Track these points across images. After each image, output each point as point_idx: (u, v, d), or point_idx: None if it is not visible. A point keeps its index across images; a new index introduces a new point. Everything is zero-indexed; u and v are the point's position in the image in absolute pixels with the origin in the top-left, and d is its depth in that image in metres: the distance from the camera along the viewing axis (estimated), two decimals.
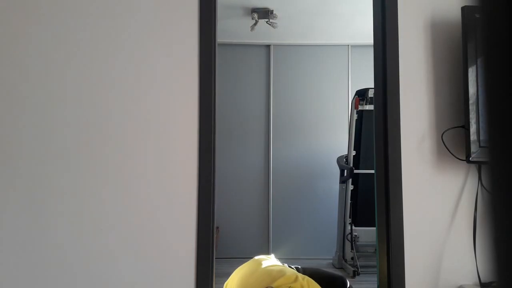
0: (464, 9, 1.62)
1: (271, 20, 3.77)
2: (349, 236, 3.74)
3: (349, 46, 4.56)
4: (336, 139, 4.46)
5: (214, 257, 1.71)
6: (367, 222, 3.73)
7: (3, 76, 1.67)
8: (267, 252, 4.26)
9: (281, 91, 4.54)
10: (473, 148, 1.56)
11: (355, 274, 3.51)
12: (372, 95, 3.66)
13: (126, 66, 1.70)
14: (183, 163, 1.67)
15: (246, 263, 2.07)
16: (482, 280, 1.63)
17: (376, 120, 1.82)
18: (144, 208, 1.65)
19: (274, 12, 3.72)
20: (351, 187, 3.80)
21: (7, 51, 1.68)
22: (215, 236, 1.71)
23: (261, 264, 2.00)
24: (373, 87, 1.86)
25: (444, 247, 1.71)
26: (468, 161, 1.57)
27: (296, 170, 4.49)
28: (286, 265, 2.09)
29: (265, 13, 3.72)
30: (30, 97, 1.67)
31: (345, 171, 3.88)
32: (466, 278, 1.69)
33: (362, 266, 3.65)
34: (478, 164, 1.67)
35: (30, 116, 1.66)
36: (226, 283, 2.06)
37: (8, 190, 1.64)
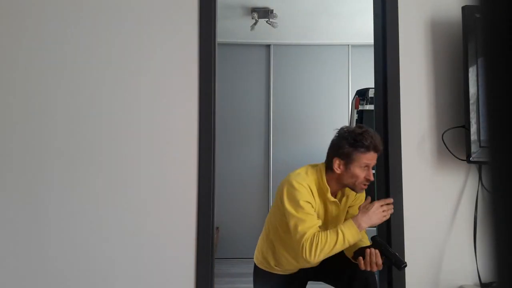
0: (464, 9, 1.61)
1: (271, 20, 3.77)
2: None
3: (349, 46, 4.56)
4: None
5: (214, 257, 1.71)
6: None
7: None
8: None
9: (281, 91, 4.54)
10: (474, 148, 1.56)
11: None
12: (372, 95, 3.65)
13: (125, 66, 1.69)
14: (183, 163, 1.67)
15: None
16: (483, 280, 1.63)
17: (376, 120, 1.82)
18: (144, 208, 1.65)
19: (274, 12, 3.72)
20: None
21: (3, 49, 1.67)
22: (215, 236, 1.71)
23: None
24: (373, 87, 1.86)
25: (444, 247, 1.71)
26: (469, 161, 1.57)
27: None
28: None
29: (265, 13, 3.71)
30: (30, 97, 1.67)
31: None
32: (466, 278, 1.69)
33: None
34: (479, 164, 1.67)
35: (30, 117, 1.66)
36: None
37: (7, 192, 1.63)
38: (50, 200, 1.64)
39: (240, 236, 4.36)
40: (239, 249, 4.31)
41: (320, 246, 1.46)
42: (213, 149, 1.68)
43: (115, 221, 1.64)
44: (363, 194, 1.77)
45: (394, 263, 1.51)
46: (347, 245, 1.50)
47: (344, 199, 1.71)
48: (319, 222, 1.56)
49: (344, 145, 1.58)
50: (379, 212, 1.54)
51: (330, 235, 1.48)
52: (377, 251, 1.50)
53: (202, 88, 1.69)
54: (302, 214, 1.52)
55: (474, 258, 1.68)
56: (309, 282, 1.87)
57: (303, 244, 1.48)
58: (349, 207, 1.75)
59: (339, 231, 1.49)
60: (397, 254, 1.53)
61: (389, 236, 1.71)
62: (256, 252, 1.88)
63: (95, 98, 1.68)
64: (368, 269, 1.49)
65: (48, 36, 1.69)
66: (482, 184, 1.69)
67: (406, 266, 1.50)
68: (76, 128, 1.67)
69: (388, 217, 1.57)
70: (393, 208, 1.66)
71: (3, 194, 1.63)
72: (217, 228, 4.20)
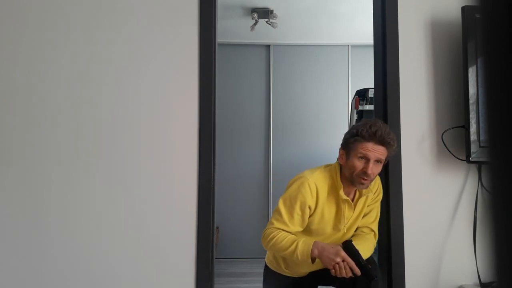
0: (464, 9, 1.62)
1: (271, 20, 3.77)
2: None
3: (349, 46, 4.56)
4: (336, 139, 4.45)
5: (214, 257, 1.71)
6: None
7: None
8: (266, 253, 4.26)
9: (281, 91, 4.54)
10: (473, 148, 1.56)
11: None
12: (372, 95, 3.65)
13: (125, 66, 1.69)
14: (183, 163, 1.67)
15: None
16: (482, 280, 1.63)
17: None
18: (144, 208, 1.65)
19: (274, 12, 3.72)
20: None
21: (3, 49, 1.67)
22: (215, 236, 1.71)
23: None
24: (373, 87, 1.87)
25: (444, 247, 1.71)
26: (468, 161, 1.57)
27: (296, 170, 4.43)
28: None
29: (265, 13, 3.71)
30: (31, 98, 1.67)
31: None
32: (466, 278, 1.69)
33: None
34: (478, 164, 1.67)
35: (31, 118, 1.66)
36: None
37: (8, 192, 1.63)
38: (50, 200, 1.64)
39: (240, 236, 4.35)
40: (239, 249, 4.31)
41: (273, 242, 1.55)
42: (213, 149, 1.68)
43: (115, 221, 1.64)
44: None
45: (365, 275, 1.44)
46: (294, 258, 1.52)
47: (363, 199, 1.65)
48: (292, 229, 1.58)
49: (347, 135, 1.61)
50: (331, 261, 1.45)
51: (287, 240, 1.53)
52: (348, 263, 1.45)
53: (202, 88, 1.69)
54: (287, 211, 1.58)
55: (474, 258, 1.68)
56: (319, 286, 1.86)
57: (265, 230, 1.59)
58: (367, 206, 1.69)
59: (296, 242, 1.52)
60: (369, 266, 1.45)
61: (389, 236, 1.71)
62: (268, 252, 1.88)
63: (95, 99, 1.68)
64: (339, 275, 1.46)
65: (49, 38, 1.69)
66: (482, 184, 1.69)
67: (376, 280, 1.44)
68: (77, 129, 1.67)
69: (338, 273, 1.45)
70: (393, 209, 1.65)
71: (3, 194, 1.63)
72: (217, 228, 4.20)
